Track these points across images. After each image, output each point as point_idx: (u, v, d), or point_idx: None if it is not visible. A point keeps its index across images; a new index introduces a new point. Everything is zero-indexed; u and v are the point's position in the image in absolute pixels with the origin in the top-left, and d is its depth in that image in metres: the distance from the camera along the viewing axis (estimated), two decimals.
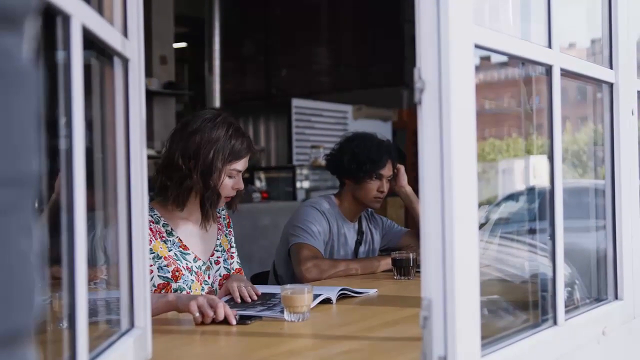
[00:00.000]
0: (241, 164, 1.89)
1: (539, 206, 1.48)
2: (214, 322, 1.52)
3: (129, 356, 1.03)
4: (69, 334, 0.80)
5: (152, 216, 1.86)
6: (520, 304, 1.40)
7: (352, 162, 2.44)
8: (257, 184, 6.27)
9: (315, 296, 1.67)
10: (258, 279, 2.57)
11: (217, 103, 7.22)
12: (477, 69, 1.01)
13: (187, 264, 1.87)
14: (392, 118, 7.19)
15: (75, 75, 0.79)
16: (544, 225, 1.33)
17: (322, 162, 5.90)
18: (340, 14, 8.32)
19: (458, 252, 0.92)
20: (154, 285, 1.80)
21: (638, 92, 1.58)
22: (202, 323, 1.51)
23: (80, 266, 0.80)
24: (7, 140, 0.44)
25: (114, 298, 1.12)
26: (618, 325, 1.45)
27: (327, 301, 1.74)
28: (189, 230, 1.93)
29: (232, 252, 2.06)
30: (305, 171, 6.29)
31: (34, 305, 0.47)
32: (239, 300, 1.71)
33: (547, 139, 1.27)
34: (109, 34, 0.97)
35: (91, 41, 0.89)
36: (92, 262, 0.87)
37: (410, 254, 2.20)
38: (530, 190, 1.71)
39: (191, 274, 1.87)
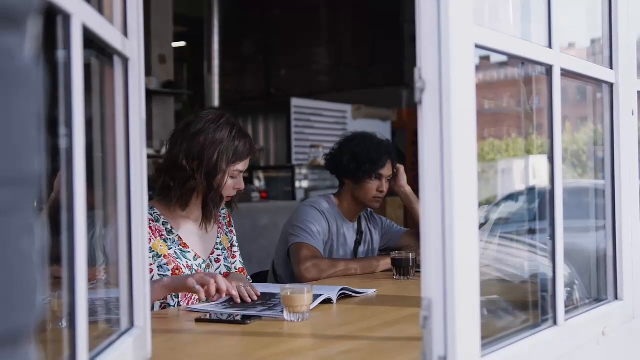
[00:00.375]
0: (243, 165, 1.90)
1: (538, 206, 1.48)
2: (214, 321, 1.53)
3: (128, 356, 1.03)
4: (69, 333, 0.80)
5: (151, 214, 1.87)
6: (520, 304, 1.40)
7: (351, 161, 2.44)
8: (256, 183, 6.27)
9: (316, 296, 1.67)
10: (257, 278, 2.56)
11: (216, 102, 7.22)
12: (477, 68, 1.01)
13: (187, 262, 1.88)
14: (391, 118, 7.19)
15: (76, 74, 0.79)
16: (543, 225, 1.33)
17: (322, 161, 5.90)
18: (339, 13, 8.32)
19: (458, 251, 0.92)
20: None
21: (638, 92, 1.58)
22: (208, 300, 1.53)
23: (80, 265, 0.80)
24: (9, 140, 0.44)
25: (113, 297, 1.12)
26: (618, 325, 1.45)
27: (327, 301, 1.74)
28: (189, 229, 1.93)
29: (235, 252, 2.06)
30: (304, 171, 6.29)
31: (35, 305, 0.47)
32: (238, 300, 1.71)
33: (547, 139, 1.27)
34: (109, 33, 0.97)
35: (91, 40, 0.89)
36: (91, 262, 0.87)
37: (410, 254, 2.20)
38: (530, 190, 1.71)
39: (191, 272, 1.87)
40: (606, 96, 1.51)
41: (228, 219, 2.08)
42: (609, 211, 1.51)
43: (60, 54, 0.79)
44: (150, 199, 1.90)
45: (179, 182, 1.85)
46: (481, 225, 1.72)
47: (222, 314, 1.60)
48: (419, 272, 1.95)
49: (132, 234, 1.10)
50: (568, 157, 1.58)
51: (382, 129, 6.39)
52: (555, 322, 1.22)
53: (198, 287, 1.59)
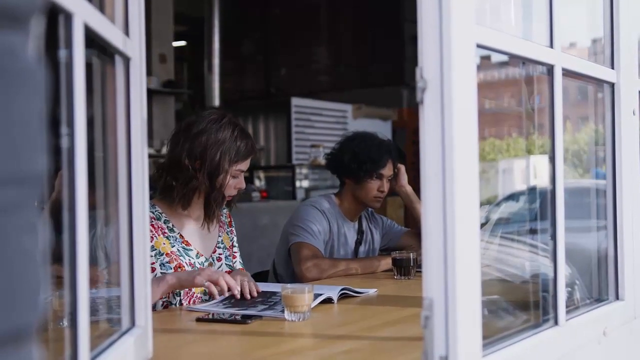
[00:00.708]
0: (245, 165, 1.91)
1: (539, 206, 1.48)
2: (215, 321, 1.53)
3: (129, 355, 1.03)
4: (70, 332, 0.80)
5: (153, 213, 1.87)
6: (521, 304, 1.40)
7: (352, 161, 2.44)
8: (257, 183, 6.27)
9: (316, 296, 1.67)
10: (258, 278, 2.56)
11: (216, 102, 7.22)
12: (478, 68, 1.01)
13: (189, 260, 1.88)
14: (391, 117, 7.19)
15: (77, 73, 0.79)
16: (544, 225, 1.33)
17: (322, 161, 5.91)
18: (340, 13, 8.32)
19: (459, 251, 0.92)
20: None
21: (639, 92, 1.58)
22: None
23: (81, 265, 0.80)
24: (12, 139, 0.44)
25: (114, 297, 1.12)
26: (619, 325, 1.45)
27: (328, 301, 1.74)
28: (190, 228, 1.94)
29: (235, 252, 2.07)
30: (304, 170, 6.29)
31: (38, 304, 0.47)
32: (238, 295, 1.71)
33: (548, 139, 1.27)
34: (110, 32, 0.97)
35: (92, 39, 0.89)
36: (92, 261, 0.87)
37: (411, 254, 2.20)
38: (531, 190, 1.71)
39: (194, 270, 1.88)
40: (607, 96, 1.51)
41: (229, 219, 2.09)
42: (610, 211, 1.51)
43: (62, 53, 0.79)
44: (151, 198, 1.91)
45: (181, 181, 1.85)
46: (482, 225, 1.72)
47: (223, 314, 1.60)
48: (420, 271, 1.95)
49: (133, 233, 1.10)
50: (569, 157, 1.58)
51: (382, 129, 6.39)
52: (556, 322, 1.22)
53: (208, 283, 1.62)
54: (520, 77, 1.50)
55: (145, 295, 1.12)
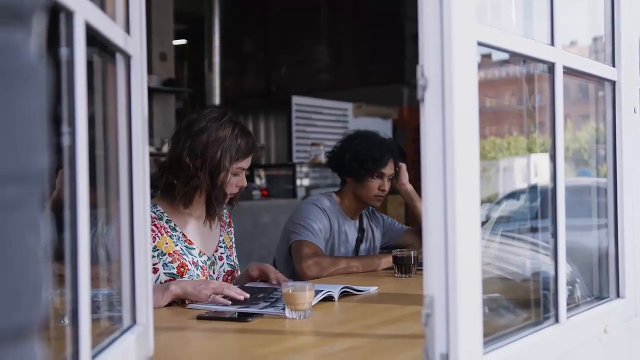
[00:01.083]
0: (246, 162, 1.92)
1: (540, 204, 1.48)
2: (216, 319, 1.54)
3: (130, 353, 1.03)
4: (71, 330, 0.80)
5: (154, 212, 1.87)
6: (521, 302, 1.40)
7: (353, 160, 2.44)
8: (257, 181, 6.27)
9: (317, 292, 1.68)
10: None
11: (216, 100, 7.23)
12: (478, 66, 1.01)
13: (192, 258, 1.89)
14: (392, 116, 7.19)
15: (79, 71, 0.79)
16: (545, 224, 1.33)
17: (323, 159, 5.91)
18: (340, 11, 8.32)
19: (460, 249, 0.92)
20: (160, 283, 1.81)
21: None
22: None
23: (83, 263, 0.80)
24: (14, 136, 0.44)
25: (115, 294, 1.12)
26: (619, 323, 1.45)
27: (328, 298, 1.74)
28: (192, 227, 1.94)
29: (232, 251, 2.07)
30: (305, 169, 6.29)
31: (40, 301, 0.47)
32: (247, 296, 1.71)
33: (549, 137, 1.27)
34: (111, 30, 0.97)
35: (93, 37, 0.89)
36: (93, 260, 0.87)
37: (411, 252, 2.20)
38: (532, 189, 1.71)
39: (197, 269, 1.88)
40: (608, 94, 1.51)
41: (229, 219, 2.09)
42: (611, 209, 1.51)
43: (63, 51, 0.79)
44: (152, 197, 1.91)
45: (183, 180, 1.86)
46: (483, 224, 1.72)
47: (223, 312, 1.60)
48: (421, 269, 1.95)
49: (134, 231, 1.10)
50: (570, 156, 1.58)
51: (383, 127, 6.40)
52: (557, 320, 1.23)
53: (213, 296, 1.68)
54: (521, 75, 1.50)
55: (146, 293, 1.12)
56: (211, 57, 7.22)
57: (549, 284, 1.26)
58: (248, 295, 1.70)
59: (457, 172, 0.92)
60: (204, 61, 7.35)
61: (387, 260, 2.33)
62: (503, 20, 1.40)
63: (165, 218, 1.89)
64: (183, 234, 1.90)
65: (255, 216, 4.93)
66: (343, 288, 1.81)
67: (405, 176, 2.56)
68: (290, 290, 1.54)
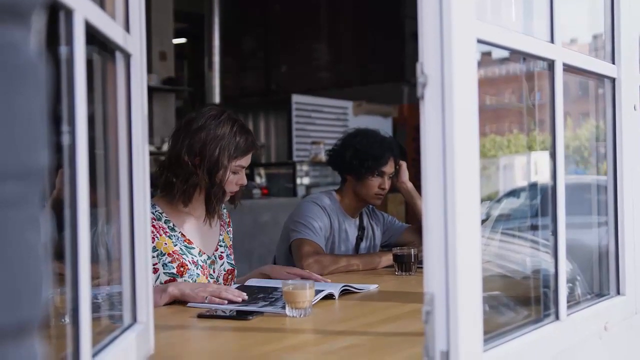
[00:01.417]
0: (245, 160, 1.91)
1: (540, 202, 1.48)
2: (217, 317, 1.54)
3: (131, 351, 1.03)
4: (72, 329, 0.80)
5: (153, 213, 1.87)
6: (522, 299, 1.40)
7: (354, 158, 2.44)
8: (257, 180, 6.27)
9: (317, 292, 1.68)
10: None
11: (216, 99, 7.22)
12: (478, 64, 1.01)
13: (192, 258, 1.89)
14: (392, 114, 7.19)
15: (78, 70, 0.79)
16: (545, 222, 1.33)
17: (323, 158, 5.91)
18: (340, 10, 8.31)
19: (460, 246, 0.92)
20: (161, 282, 1.82)
21: None
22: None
23: (83, 262, 0.80)
24: (15, 134, 0.44)
25: (116, 293, 1.12)
26: (620, 320, 1.45)
27: (329, 297, 1.74)
28: (191, 226, 1.94)
29: (232, 250, 2.08)
30: (305, 167, 6.29)
31: (41, 298, 0.47)
32: (245, 297, 1.70)
33: (549, 135, 1.27)
34: (111, 28, 0.97)
35: (93, 36, 0.89)
36: (93, 259, 0.87)
37: (412, 250, 2.20)
38: (532, 187, 1.71)
39: (197, 268, 1.88)
40: (608, 91, 1.51)
41: (228, 219, 2.09)
42: (611, 207, 1.51)
43: (63, 49, 0.79)
44: (152, 196, 1.91)
45: (181, 178, 1.85)
46: (483, 222, 1.72)
47: (224, 310, 1.60)
48: (421, 267, 1.96)
49: (134, 230, 1.10)
50: (570, 153, 1.58)
51: (383, 126, 6.40)
52: (557, 317, 1.23)
53: (210, 298, 1.68)
54: (521, 73, 1.50)
55: (146, 291, 1.12)
56: (211, 56, 7.22)
57: (549, 282, 1.26)
58: (246, 297, 1.69)
59: (457, 169, 0.92)
60: (204, 60, 7.34)
61: (387, 258, 2.33)
62: (503, 17, 1.40)
63: (164, 218, 1.89)
64: (182, 233, 1.90)
65: (255, 215, 4.93)
66: (343, 286, 1.81)
67: (405, 174, 2.56)
68: (291, 289, 1.54)
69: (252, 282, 1.98)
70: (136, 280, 1.10)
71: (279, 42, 8.65)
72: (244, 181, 1.93)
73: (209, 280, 1.91)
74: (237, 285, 1.84)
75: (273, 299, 1.70)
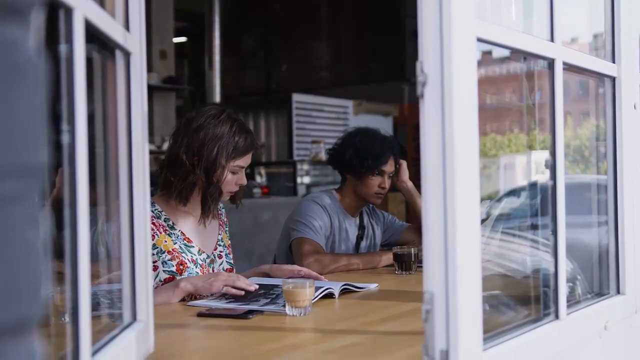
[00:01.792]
0: (244, 160, 1.91)
1: (540, 201, 1.48)
2: (217, 316, 1.54)
3: (131, 349, 1.03)
4: (71, 327, 0.80)
5: (153, 211, 1.87)
6: (522, 298, 1.40)
7: (354, 157, 2.44)
8: (258, 179, 6.27)
9: (317, 289, 1.68)
10: None
11: (217, 98, 7.22)
12: (479, 63, 1.01)
13: (192, 256, 1.89)
14: (392, 113, 7.19)
15: (78, 68, 0.79)
16: (545, 221, 1.33)
17: (324, 157, 5.90)
18: (340, 9, 8.31)
19: (460, 245, 0.92)
20: (160, 280, 1.82)
21: None
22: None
23: (83, 261, 0.80)
24: (14, 131, 0.44)
25: (116, 291, 1.12)
26: (620, 319, 1.45)
27: (329, 296, 1.74)
28: (190, 225, 1.94)
29: (230, 250, 2.08)
30: (305, 166, 6.29)
31: (40, 296, 0.47)
32: (257, 287, 1.74)
33: (549, 134, 1.27)
34: (111, 27, 0.97)
35: (93, 34, 0.89)
36: (93, 257, 0.87)
37: (412, 249, 2.21)
38: (532, 186, 1.71)
39: (196, 267, 1.88)
40: (608, 90, 1.51)
41: (226, 219, 2.10)
42: (611, 206, 1.51)
43: (63, 48, 0.79)
44: (152, 194, 1.91)
45: (179, 177, 1.85)
46: (483, 221, 1.72)
47: (224, 309, 1.60)
48: (421, 266, 1.96)
49: (134, 228, 1.10)
50: (570, 152, 1.57)
51: (383, 125, 6.39)
52: (557, 317, 1.23)
53: (226, 288, 1.70)
54: (522, 72, 1.50)
55: (146, 290, 1.12)
56: (211, 55, 7.22)
57: (549, 281, 1.26)
58: (257, 286, 1.73)
59: (457, 168, 0.92)
60: (204, 59, 7.35)
61: (387, 258, 2.33)
62: (503, 16, 1.40)
63: (163, 217, 1.89)
64: (182, 232, 1.90)
65: (255, 214, 4.93)
66: (343, 285, 1.82)
67: (405, 173, 2.56)
68: (291, 287, 1.54)
69: (251, 280, 1.98)
70: (136, 278, 1.10)
71: (280, 41, 8.65)
72: (244, 181, 1.93)
73: None
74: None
75: (274, 296, 1.70)
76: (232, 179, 1.90)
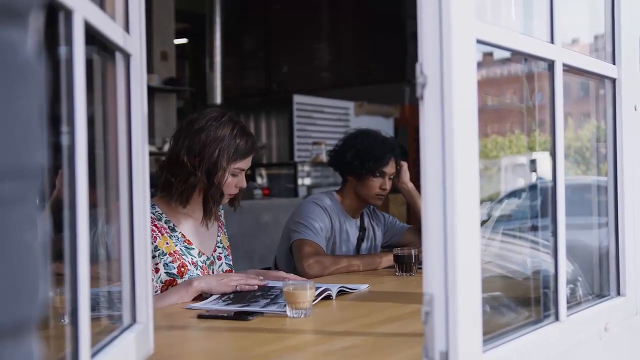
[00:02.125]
0: (245, 163, 1.91)
1: (541, 203, 1.48)
2: (217, 317, 1.54)
3: (130, 351, 1.03)
4: (71, 329, 0.80)
5: (153, 213, 1.87)
6: (522, 300, 1.40)
7: (355, 158, 2.44)
8: (259, 180, 6.27)
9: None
10: None
11: (218, 99, 7.23)
12: (480, 65, 1.01)
13: (192, 258, 1.89)
14: (394, 114, 7.19)
15: (78, 70, 0.79)
16: (546, 222, 1.33)
17: (324, 158, 5.90)
18: (341, 10, 8.31)
19: (459, 247, 0.92)
20: (161, 282, 1.82)
21: None
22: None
23: (82, 262, 0.80)
24: (12, 133, 0.44)
25: (115, 293, 1.12)
26: (620, 321, 1.45)
27: (326, 297, 1.75)
28: (190, 227, 1.94)
29: (229, 251, 2.08)
30: (306, 168, 6.29)
31: (38, 297, 0.47)
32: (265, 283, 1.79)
33: (549, 135, 1.27)
34: (111, 29, 0.97)
35: (93, 36, 0.89)
36: (93, 259, 0.87)
37: (412, 250, 2.20)
38: (533, 187, 1.71)
39: (196, 269, 1.89)
40: (609, 92, 1.51)
41: (223, 221, 2.10)
42: (612, 207, 1.51)
43: (62, 50, 0.79)
44: (152, 196, 1.91)
45: (180, 178, 1.86)
46: (484, 222, 1.72)
47: (224, 311, 1.60)
48: (421, 268, 1.96)
49: (134, 230, 1.10)
50: (571, 154, 1.57)
51: (384, 126, 6.40)
52: (557, 318, 1.22)
53: (242, 286, 1.75)
54: (523, 73, 1.50)
55: (146, 291, 1.12)
56: (212, 56, 7.22)
57: (549, 282, 1.26)
58: (267, 282, 1.80)
59: (457, 170, 0.92)
60: (205, 60, 7.35)
61: (387, 259, 2.33)
62: (503, 18, 1.40)
63: (164, 219, 1.90)
64: (182, 234, 1.91)
65: (256, 215, 4.93)
66: (340, 287, 1.83)
67: (406, 175, 2.56)
68: (292, 289, 1.54)
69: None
70: (136, 280, 1.10)
71: (280, 42, 8.66)
72: (244, 184, 1.94)
73: None
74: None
75: (273, 296, 1.70)
76: (232, 181, 1.90)
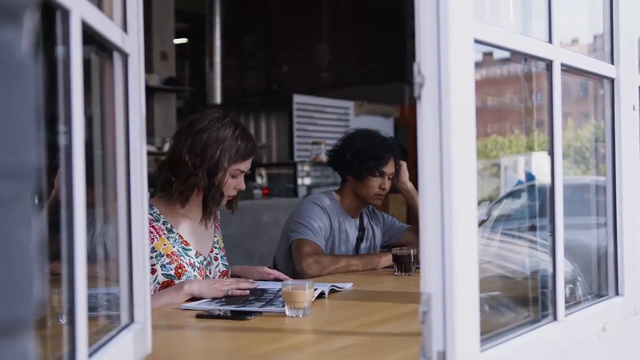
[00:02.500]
0: (245, 165, 1.92)
1: (540, 203, 1.48)
2: (215, 317, 1.54)
3: (128, 351, 1.03)
4: (68, 329, 0.80)
5: (151, 214, 1.87)
6: (520, 300, 1.40)
7: (354, 158, 2.44)
8: (258, 180, 6.27)
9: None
10: None
11: (217, 99, 7.23)
12: (479, 65, 1.01)
13: (189, 259, 1.89)
14: (393, 114, 7.19)
15: (75, 70, 0.79)
16: (545, 222, 1.33)
17: (324, 158, 5.90)
18: (341, 9, 8.31)
19: (457, 246, 0.92)
20: (158, 283, 1.82)
21: (639, 87, 1.58)
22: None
23: (79, 262, 0.80)
24: (7, 133, 0.44)
25: (113, 293, 1.12)
26: (618, 321, 1.45)
27: (319, 296, 1.75)
28: (188, 228, 1.94)
29: (225, 252, 2.09)
30: (306, 167, 6.28)
31: (33, 297, 0.47)
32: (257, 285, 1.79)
33: (547, 135, 1.27)
34: (108, 28, 0.97)
35: (90, 36, 0.89)
36: (92, 259, 0.87)
37: (411, 250, 2.20)
38: (532, 187, 1.71)
39: (193, 270, 1.89)
40: (607, 92, 1.51)
41: (219, 222, 2.11)
42: (610, 207, 1.51)
43: (59, 49, 0.79)
44: (151, 196, 1.91)
45: (181, 177, 1.86)
46: (483, 222, 1.72)
47: (222, 310, 1.60)
48: (420, 268, 1.96)
49: (132, 230, 1.10)
50: (570, 154, 1.57)
51: (384, 126, 6.40)
52: (555, 318, 1.22)
53: (233, 290, 1.75)
54: (522, 73, 1.50)
55: (144, 291, 1.12)
56: (212, 56, 7.22)
57: (547, 282, 1.26)
58: (258, 284, 1.81)
59: (454, 169, 0.92)
60: (205, 60, 7.35)
61: (386, 259, 2.33)
62: (501, 17, 1.40)
63: (162, 220, 1.90)
64: (180, 235, 1.91)
65: (256, 215, 4.93)
66: (331, 287, 1.84)
67: (405, 175, 2.56)
68: (290, 289, 1.54)
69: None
70: (133, 280, 1.10)
71: (280, 42, 8.66)
72: (243, 186, 1.94)
73: None
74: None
75: (267, 300, 1.70)
76: (231, 183, 1.91)
